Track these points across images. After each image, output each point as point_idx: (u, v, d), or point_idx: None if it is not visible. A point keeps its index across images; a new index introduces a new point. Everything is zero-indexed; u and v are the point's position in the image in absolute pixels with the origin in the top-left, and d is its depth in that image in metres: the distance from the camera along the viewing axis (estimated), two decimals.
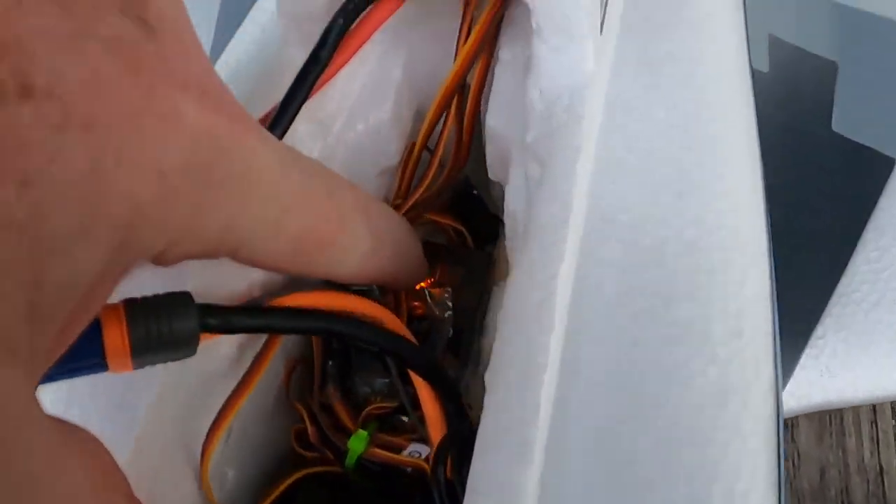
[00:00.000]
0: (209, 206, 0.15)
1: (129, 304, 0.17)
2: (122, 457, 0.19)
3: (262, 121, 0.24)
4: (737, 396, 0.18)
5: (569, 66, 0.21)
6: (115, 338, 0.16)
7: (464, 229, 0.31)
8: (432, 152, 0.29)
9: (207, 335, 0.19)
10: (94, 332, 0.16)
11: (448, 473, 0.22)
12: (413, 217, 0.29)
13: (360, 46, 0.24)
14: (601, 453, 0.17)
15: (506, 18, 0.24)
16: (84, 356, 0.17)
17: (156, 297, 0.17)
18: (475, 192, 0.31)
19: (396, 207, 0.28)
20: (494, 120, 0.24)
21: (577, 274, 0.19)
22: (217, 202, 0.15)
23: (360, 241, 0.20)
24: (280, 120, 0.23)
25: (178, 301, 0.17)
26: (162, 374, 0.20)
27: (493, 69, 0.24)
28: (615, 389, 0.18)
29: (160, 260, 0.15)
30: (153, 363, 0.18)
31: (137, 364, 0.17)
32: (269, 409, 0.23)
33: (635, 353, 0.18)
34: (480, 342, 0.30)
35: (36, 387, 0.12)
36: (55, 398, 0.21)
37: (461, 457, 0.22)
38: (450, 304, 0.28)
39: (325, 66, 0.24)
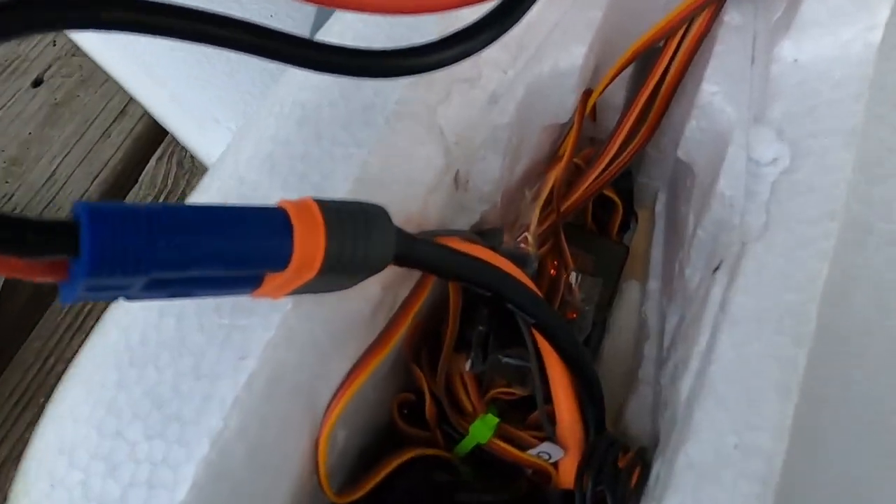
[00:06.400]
0: None
1: (324, 206, 0.13)
2: (225, 388, 0.15)
3: None
4: None
5: (849, 35, 0.17)
6: (311, 246, 0.12)
7: (621, 209, 0.27)
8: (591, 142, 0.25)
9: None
10: (281, 232, 0.12)
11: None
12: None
13: None
14: None
15: None
16: (258, 262, 0.12)
17: (350, 204, 0.13)
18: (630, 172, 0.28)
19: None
20: (712, 86, 0.20)
21: None
22: None
23: None
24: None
25: (377, 216, 0.13)
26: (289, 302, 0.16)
27: (714, 32, 0.21)
28: (876, 431, 0.14)
29: None
30: (310, 292, 0.14)
31: (300, 289, 0.13)
32: (386, 370, 0.19)
33: None
34: (603, 344, 0.26)
35: None
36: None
37: (613, 475, 0.18)
38: (596, 297, 0.24)
39: None
